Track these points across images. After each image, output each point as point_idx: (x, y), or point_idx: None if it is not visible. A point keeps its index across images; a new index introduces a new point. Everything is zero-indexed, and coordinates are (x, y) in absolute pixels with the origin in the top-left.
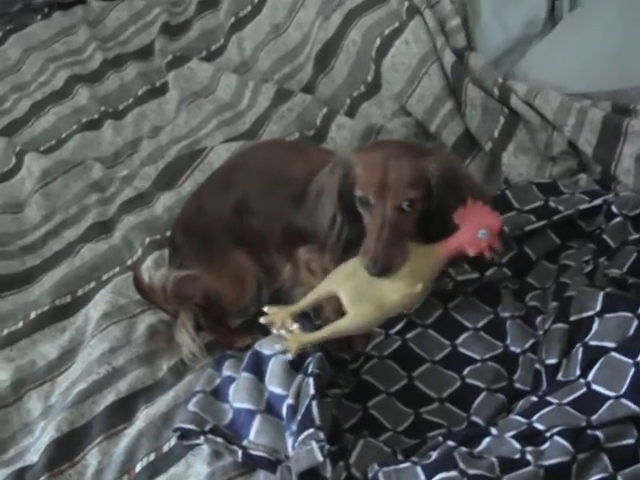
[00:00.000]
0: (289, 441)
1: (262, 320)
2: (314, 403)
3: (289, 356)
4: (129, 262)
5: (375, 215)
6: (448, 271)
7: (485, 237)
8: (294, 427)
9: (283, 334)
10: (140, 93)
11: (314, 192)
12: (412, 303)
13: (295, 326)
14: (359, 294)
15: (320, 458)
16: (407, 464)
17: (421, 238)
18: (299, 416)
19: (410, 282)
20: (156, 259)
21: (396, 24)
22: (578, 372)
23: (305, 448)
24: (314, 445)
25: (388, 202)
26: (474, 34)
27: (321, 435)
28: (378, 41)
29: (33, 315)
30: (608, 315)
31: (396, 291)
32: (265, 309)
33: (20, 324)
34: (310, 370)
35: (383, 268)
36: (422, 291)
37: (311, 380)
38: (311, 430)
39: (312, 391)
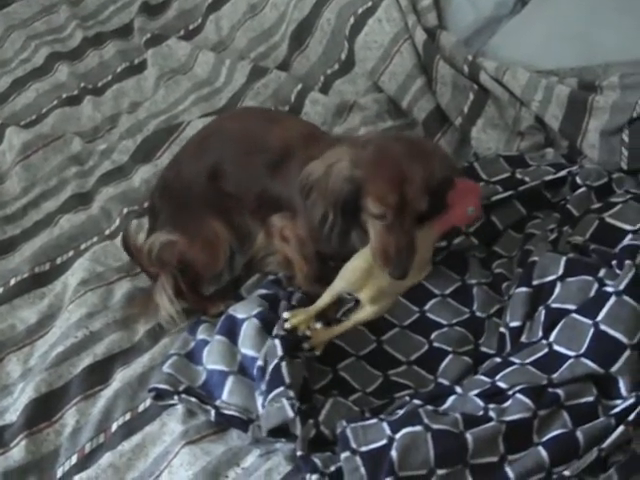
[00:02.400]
0: (259, 400)
1: (287, 325)
2: (283, 363)
3: (317, 352)
4: (107, 232)
5: (392, 228)
6: None
7: (473, 212)
8: (263, 387)
9: (308, 334)
10: (119, 70)
11: (306, 184)
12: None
13: (318, 325)
14: (380, 293)
15: (291, 414)
16: (374, 420)
17: None
18: (267, 376)
19: (420, 267)
20: (134, 229)
21: (369, 3)
22: (540, 334)
23: (276, 405)
24: (285, 402)
25: (406, 217)
26: (445, 13)
27: (291, 393)
28: (352, 20)
29: (13, 282)
30: (569, 279)
31: (410, 279)
32: (285, 315)
33: (0, 290)
34: (276, 332)
35: (405, 272)
36: (427, 271)
37: (277, 341)
38: (281, 388)
39: (280, 352)
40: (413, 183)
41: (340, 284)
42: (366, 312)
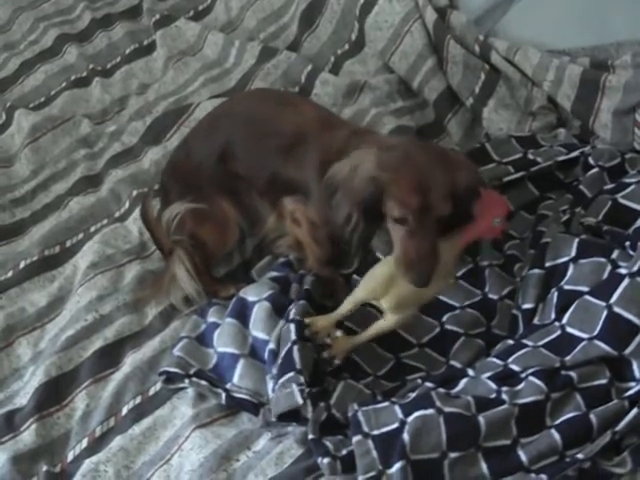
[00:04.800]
0: (269, 384)
1: (306, 332)
2: (295, 348)
3: (337, 361)
4: (117, 214)
5: (414, 233)
6: None
7: (499, 223)
8: (274, 371)
9: (328, 342)
10: (128, 52)
11: (330, 185)
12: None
13: (339, 333)
14: (402, 301)
15: (300, 401)
16: (385, 403)
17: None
18: (279, 360)
19: (443, 278)
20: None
21: None
22: (553, 316)
23: (285, 391)
24: (294, 388)
25: (428, 222)
26: None
27: (301, 379)
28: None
29: (22, 265)
30: (582, 260)
31: (432, 289)
32: (306, 321)
33: (10, 274)
34: (292, 316)
35: (427, 279)
36: (450, 282)
37: (292, 326)
38: (291, 374)
39: (294, 336)
40: (436, 188)
41: (362, 291)
42: (388, 321)
